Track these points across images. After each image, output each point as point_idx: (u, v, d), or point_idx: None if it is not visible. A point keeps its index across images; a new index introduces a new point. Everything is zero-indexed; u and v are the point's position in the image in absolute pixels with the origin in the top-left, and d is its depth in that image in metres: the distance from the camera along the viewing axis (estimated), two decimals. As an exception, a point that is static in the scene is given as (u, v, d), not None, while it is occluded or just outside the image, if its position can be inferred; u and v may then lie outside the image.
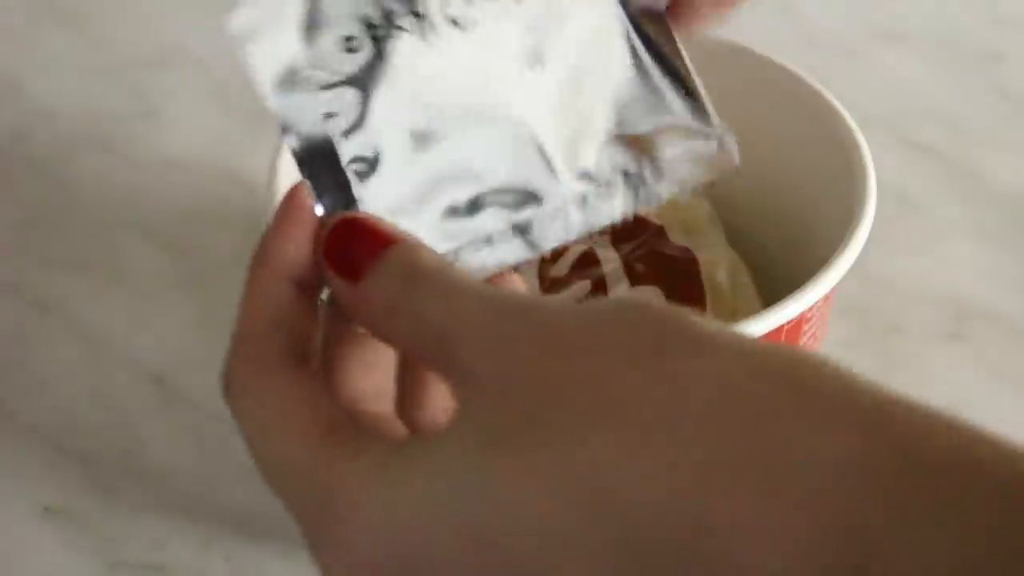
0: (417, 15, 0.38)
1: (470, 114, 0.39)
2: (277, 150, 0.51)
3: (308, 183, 0.37)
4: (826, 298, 0.48)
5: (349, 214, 0.36)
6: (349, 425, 0.34)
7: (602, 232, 0.53)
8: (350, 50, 0.38)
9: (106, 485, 0.55)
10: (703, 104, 0.40)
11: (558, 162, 0.39)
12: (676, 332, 0.31)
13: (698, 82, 0.40)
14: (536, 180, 0.39)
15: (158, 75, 0.72)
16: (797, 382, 0.30)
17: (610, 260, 0.52)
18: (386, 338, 0.35)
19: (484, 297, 0.33)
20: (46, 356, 0.60)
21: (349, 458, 0.33)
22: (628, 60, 0.40)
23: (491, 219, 0.38)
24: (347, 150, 0.38)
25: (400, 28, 0.38)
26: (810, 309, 0.47)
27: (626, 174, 0.39)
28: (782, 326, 0.46)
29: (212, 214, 0.65)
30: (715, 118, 0.40)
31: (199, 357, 0.60)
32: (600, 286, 0.52)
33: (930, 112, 0.70)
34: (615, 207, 0.39)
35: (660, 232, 0.53)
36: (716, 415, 0.29)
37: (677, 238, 0.53)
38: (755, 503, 0.28)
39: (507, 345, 0.32)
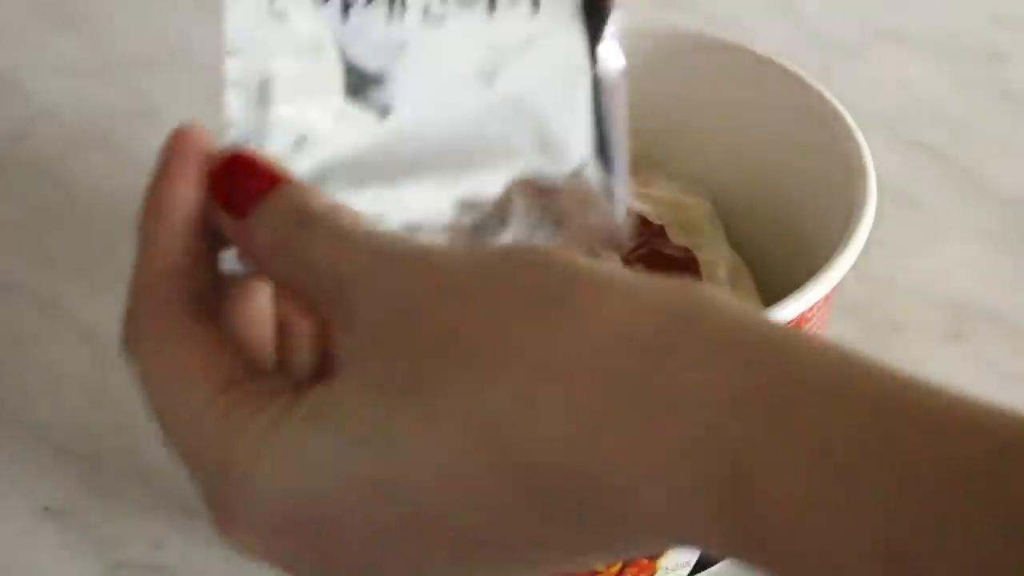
0: None
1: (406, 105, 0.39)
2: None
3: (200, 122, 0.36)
4: (826, 298, 0.48)
5: (238, 149, 0.36)
6: (246, 382, 0.34)
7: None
8: (317, 3, 0.38)
9: (106, 485, 0.55)
10: (618, 181, 0.40)
11: (468, 181, 0.39)
12: (562, 273, 0.31)
13: (622, 160, 0.40)
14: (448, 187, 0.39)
15: (158, 75, 0.72)
16: (681, 318, 0.30)
17: (610, 260, 0.52)
18: (273, 277, 0.35)
19: (374, 242, 0.33)
20: (46, 356, 0.60)
21: (246, 417, 0.33)
22: (581, 113, 0.40)
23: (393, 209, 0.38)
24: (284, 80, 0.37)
25: None
26: (810, 309, 0.47)
27: (524, 214, 0.39)
28: (782, 326, 0.46)
29: (212, 214, 0.65)
30: (623, 199, 0.40)
31: (199, 357, 0.60)
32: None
33: (931, 112, 0.70)
34: (500, 238, 0.39)
35: (660, 232, 0.53)
36: (602, 357, 0.30)
37: (677, 238, 0.53)
38: (640, 443, 0.29)
39: (398, 291, 0.32)
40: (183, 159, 0.36)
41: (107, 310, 0.62)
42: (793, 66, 0.55)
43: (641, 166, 0.57)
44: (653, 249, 0.53)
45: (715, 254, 0.53)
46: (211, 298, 0.36)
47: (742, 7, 0.75)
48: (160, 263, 0.35)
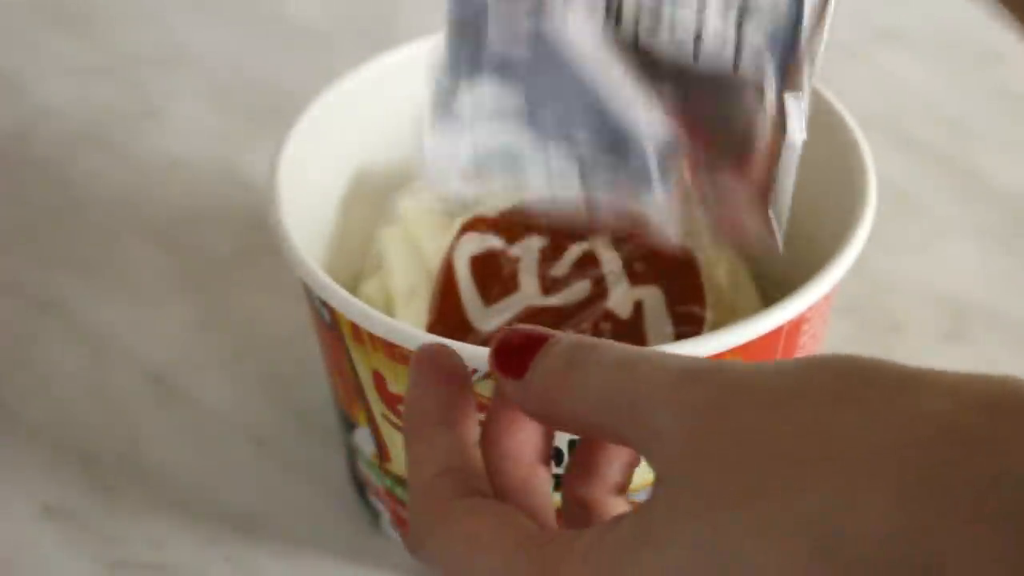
0: None
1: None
2: (277, 150, 0.51)
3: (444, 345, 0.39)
4: (826, 298, 0.48)
5: (512, 330, 0.37)
6: (547, 531, 0.35)
7: (602, 232, 0.53)
8: None
9: (106, 485, 0.55)
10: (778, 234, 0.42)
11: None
12: (871, 370, 0.32)
13: (783, 217, 0.42)
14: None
15: (158, 75, 0.72)
16: (1007, 410, 0.30)
17: (610, 260, 0.52)
18: (558, 421, 0.36)
19: (665, 362, 0.34)
20: (46, 356, 0.60)
21: (557, 559, 0.33)
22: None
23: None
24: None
25: None
26: (810, 309, 0.47)
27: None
28: (782, 326, 0.46)
29: (212, 214, 0.65)
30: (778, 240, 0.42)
31: (199, 357, 0.60)
32: (600, 286, 0.52)
33: (930, 111, 0.70)
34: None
35: (660, 232, 0.53)
36: (925, 448, 0.30)
37: (677, 238, 0.53)
38: (973, 535, 0.29)
39: (702, 403, 0.33)
40: (434, 372, 0.38)
41: (107, 310, 0.62)
42: (793, 66, 0.55)
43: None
44: (653, 249, 0.53)
45: (715, 254, 0.53)
46: (482, 478, 0.37)
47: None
48: (432, 462, 0.37)
